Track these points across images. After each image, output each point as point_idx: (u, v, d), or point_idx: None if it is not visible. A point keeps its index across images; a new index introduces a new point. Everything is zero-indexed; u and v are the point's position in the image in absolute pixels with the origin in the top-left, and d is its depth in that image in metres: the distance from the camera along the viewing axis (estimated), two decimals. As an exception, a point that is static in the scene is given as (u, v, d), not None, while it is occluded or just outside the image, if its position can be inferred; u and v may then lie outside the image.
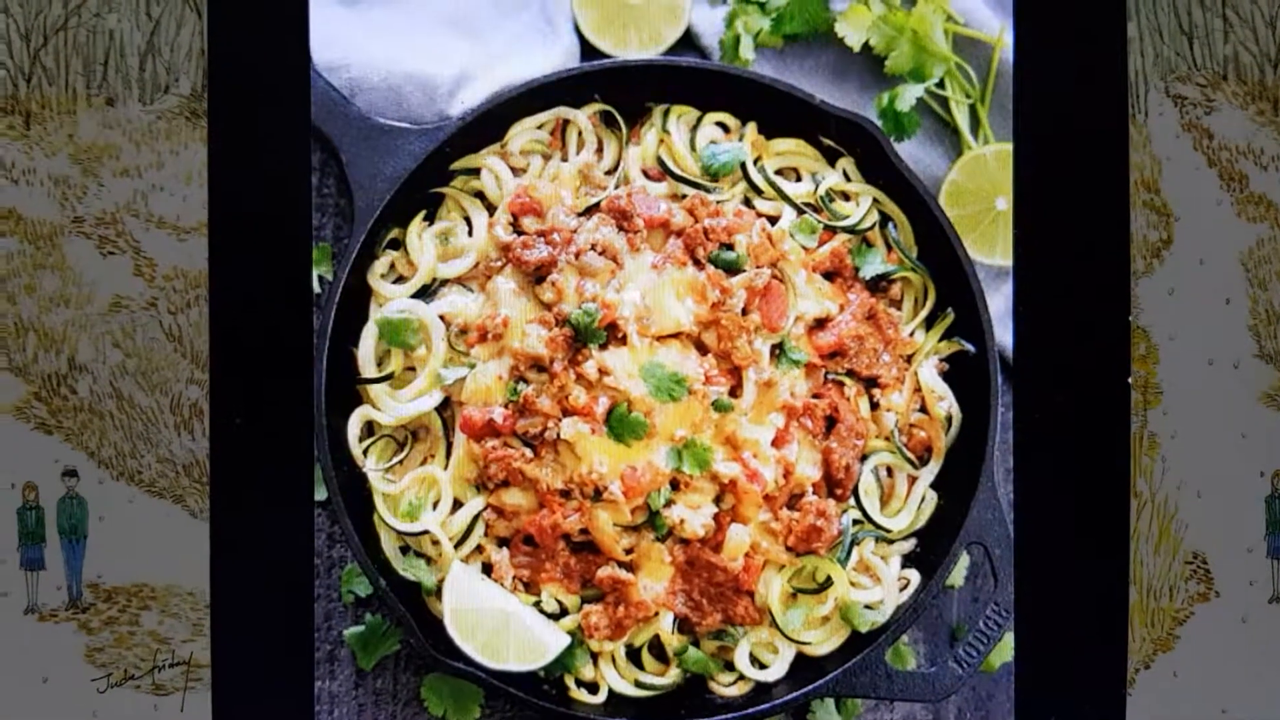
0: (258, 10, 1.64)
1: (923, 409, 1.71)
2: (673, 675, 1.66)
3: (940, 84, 1.73)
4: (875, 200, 1.71)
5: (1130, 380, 1.67)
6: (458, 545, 1.63)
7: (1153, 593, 1.68)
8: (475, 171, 1.70)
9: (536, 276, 1.64)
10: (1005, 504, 1.67)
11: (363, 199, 1.65)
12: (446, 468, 1.64)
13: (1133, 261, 1.67)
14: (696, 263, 1.63)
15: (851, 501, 1.67)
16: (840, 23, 1.72)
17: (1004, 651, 1.69)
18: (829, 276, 1.70)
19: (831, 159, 1.72)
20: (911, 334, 1.71)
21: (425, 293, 1.68)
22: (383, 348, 1.67)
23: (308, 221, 1.67)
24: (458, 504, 1.64)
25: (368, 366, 1.67)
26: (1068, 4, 1.67)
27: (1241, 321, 1.68)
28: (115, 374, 1.63)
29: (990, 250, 1.72)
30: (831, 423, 1.67)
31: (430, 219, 1.71)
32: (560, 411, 1.59)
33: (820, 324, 1.68)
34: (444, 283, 1.68)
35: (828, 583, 1.65)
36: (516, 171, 1.71)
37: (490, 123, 1.68)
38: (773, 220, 1.69)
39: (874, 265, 1.70)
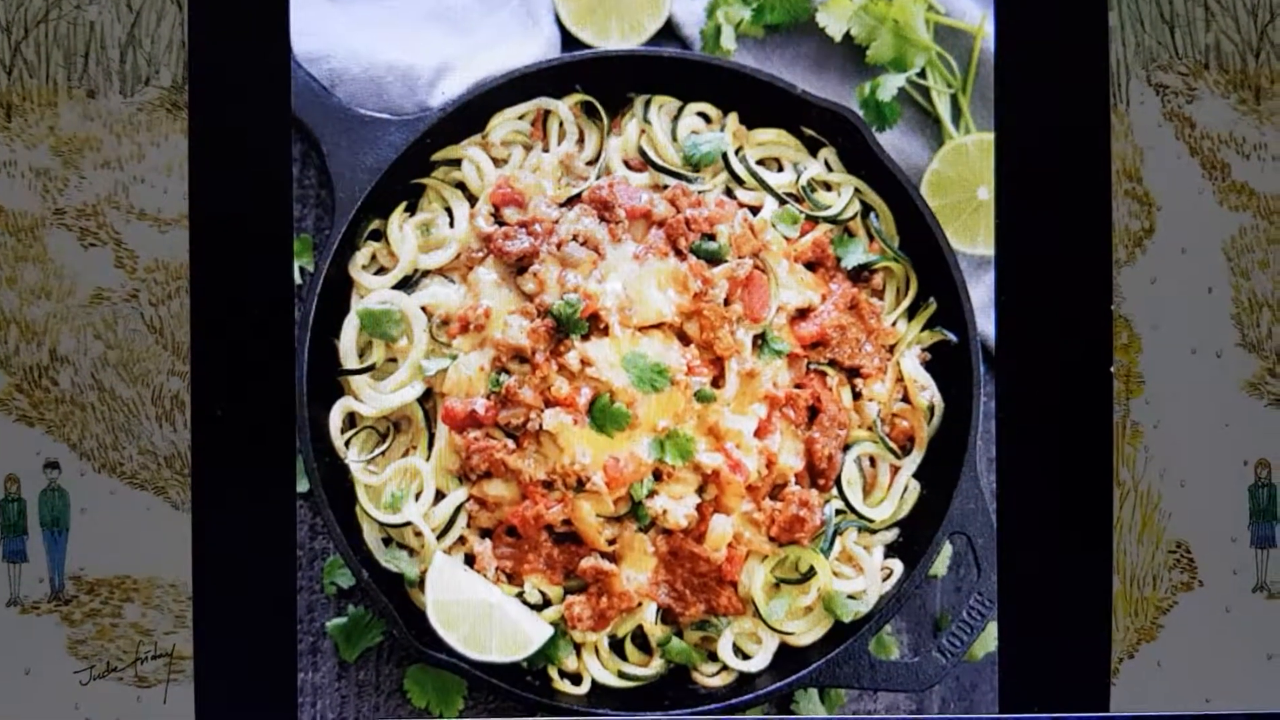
0: (238, 2, 1.64)
1: (905, 399, 1.71)
2: (656, 666, 1.66)
3: (921, 74, 1.74)
4: (857, 190, 1.71)
5: (1112, 369, 1.66)
6: (440, 536, 1.63)
7: (1136, 582, 1.67)
8: (456, 162, 1.70)
9: (518, 267, 1.64)
10: (988, 493, 1.67)
11: (344, 190, 1.65)
12: (428, 459, 1.64)
13: (1114, 251, 1.66)
14: (678, 253, 1.63)
15: (834, 492, 1.67)
16: (821, 13, 1.72)
17: (987, 641, 1.68)
18: (811, 266, 1.70)
19: (813, 149, 1.72)
20: (894, 324, 1.71)
21: (407, 284, 1.68)
22: (364, 339, 1.67)
23: (288, 213, 1.66)
24: (440, 495, 1.64)
25: (349, 358, 1.66)
26: (1048, -7, 1.68)
27: (1224, 310, 1.67)
28: (97, 366, 1.63)
29: (972, 240, 1.72)
30: (814, 413, 1.67)
31: (411, 210, 1.70)
32: (542, 402, 1.59)
33: (802, 314, 1.68)
34: (425, 274, 1.68)
35: (810, 573, 1.65)
36: (498, 162, 1.70)
37: (471, 113, 1.68)
38: (754, 210, 1.69)
39: (856, 255, 1.70)
